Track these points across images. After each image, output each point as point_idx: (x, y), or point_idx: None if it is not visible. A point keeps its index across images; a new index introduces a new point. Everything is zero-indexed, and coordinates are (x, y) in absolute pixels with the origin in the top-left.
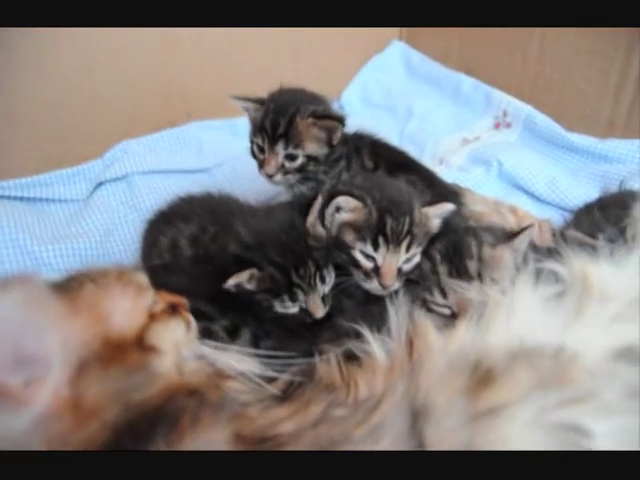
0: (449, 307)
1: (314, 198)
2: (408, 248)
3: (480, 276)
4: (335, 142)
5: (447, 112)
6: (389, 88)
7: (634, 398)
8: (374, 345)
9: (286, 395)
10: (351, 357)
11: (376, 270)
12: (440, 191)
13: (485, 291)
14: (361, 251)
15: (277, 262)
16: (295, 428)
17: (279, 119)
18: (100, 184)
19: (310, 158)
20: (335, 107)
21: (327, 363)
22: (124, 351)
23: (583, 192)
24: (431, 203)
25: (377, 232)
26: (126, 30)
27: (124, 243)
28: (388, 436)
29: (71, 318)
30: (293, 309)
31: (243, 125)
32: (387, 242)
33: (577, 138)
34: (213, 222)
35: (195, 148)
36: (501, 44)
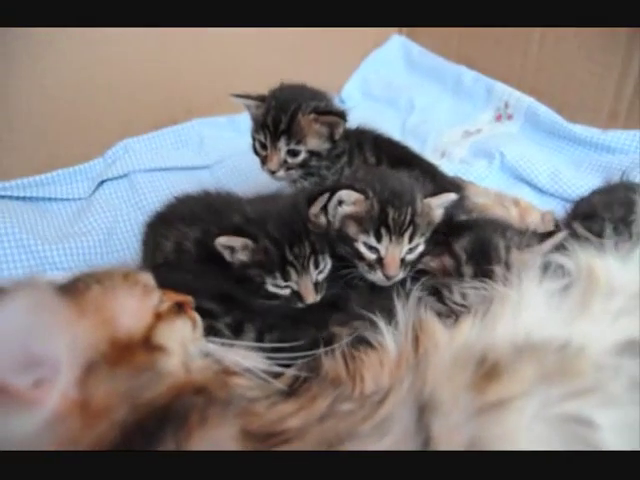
0: (467, 307)
1: (321, 192)
2: (411, 238)
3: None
4: (337, 137)
5: (448, 105)
6: (390, 82)
7: (638, 390)
8: (387, 337)
9: (292, 390)
10: (360, 342)
11: (379, 261)
12: (443, 185)
13: (493, 286)
14: (364, 243)
15: (273, 236)
16: (302, 423)
17: (281, 115)
18: (102, 182)
19: (312, 153)
20: (336, 101)
21: (332, 357)
22: (131, 351)
23: (585, 183)
24: (434, 194)
25: (379, 223)
26: (125, 29)
27: (127, 241)
28: (395, 430)
29: (78, 320)
30: (285, 290)
31: (244, 121)
32: (390, 233)
33: (579, 129)
34: (216, 223)
35: (196, 145)
36: (501, 37)
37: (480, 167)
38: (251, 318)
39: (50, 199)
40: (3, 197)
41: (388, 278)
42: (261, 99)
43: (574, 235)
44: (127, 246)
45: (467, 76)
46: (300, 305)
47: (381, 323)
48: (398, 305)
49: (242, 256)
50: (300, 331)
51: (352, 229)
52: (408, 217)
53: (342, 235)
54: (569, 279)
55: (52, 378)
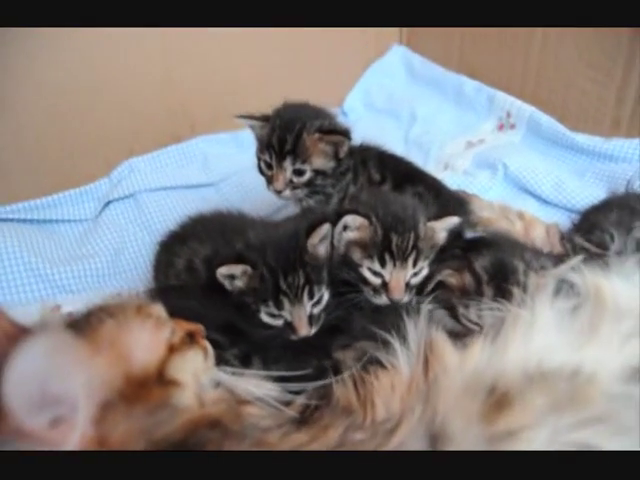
0: (480, 327)
1: (321, 221)
2: (415, 263)
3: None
4: (342, 155)
5: (450, 115)
6: (392, 93)
7: None
8: (400, 357)
9: (304, 418)
10: (370, 362)
11: (384, 286)
12: (447, 200)
13: (508, 307)
14: (369, 268)
15: (270, 264)
16: None
17: (286, 135)
18: (108, 203)
19: (318, 172)
20: (338, 113)
21: (343, 384)
22: (147, 388)
23: (590, 193)
24: (437, 217)
25: (383, 249)
26: (127, 48)
27: (135, 261)
28: None
29: (93, 358)
30: (278, 320)
31: (248, 138)
32: (393, 258)
33: (582, 138)
34: (225, 245)
35: (201, 163)
36: (502, 47)
37: (483, 178)
38: (256, 350)
39: (57, 221)
40: (11, 220)
41: (393, 302)
42: (265, 119)
43: (577, 250)
44: (135, 266)
45: (468, 86)
46: (293, 337)
47: (395, 343)
48: (410, 324)
49: (240, 282)
50: (303, 361)
51: (357, 254)
52: (411, 242)
53: (347, 260)
54: (579, 299)
55: (69, 417)
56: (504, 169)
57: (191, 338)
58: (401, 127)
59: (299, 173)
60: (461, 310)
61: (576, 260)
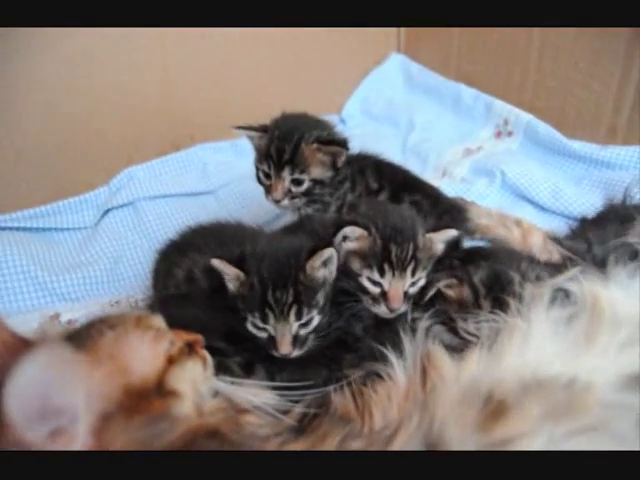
0: (478, 338)
1: (326, 246)
2: (413, 273)
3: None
4: (339, 165)
5: (448, 123)
6: (390, 100)
7: None
8: (397, 369)
9: (302, 427)
10: (368, 374)
11: (383, 295)
12: (445, 208)
13: (504, 318)
14: (368, 278)
15: (262, 274)
16: None
17: (284, 146)
18: (107, 211)
19: (316, 182)
20: (337, 121)
21: (341, 393)
22: (146, 399)
23: (587, 200)
24: (435, 229)
25: (382, 259)
26: (127, 57)
27: (133, 269)
28: None
29: (93, 371)
30: (262, 333)
31: (247, 146)
32: (392, 268)
33: (578, 145)
34: (226, 253)
35: (200, 171)
36: (499, 55)
37: (481, 186)
38: (260, 358)
39: (56, 229)
40: (10, 228)
41: (392, 311)
42: (263, 130)
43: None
44: (134, 274)
45: (466, 94)
46: (275, 354)
47: (391, 356)
48: (405, 338)
49: (231, 285)
50: (311, 372)
51: (356, 264)
52: (410, 253)
53: (346, 270)
54: (575, 308)
55: (69, 429)
56: (502, 176)
57: (190, 348)
58: (399, 135)
59: (297, 183)
60: (460, 324)
61: (574, 270)
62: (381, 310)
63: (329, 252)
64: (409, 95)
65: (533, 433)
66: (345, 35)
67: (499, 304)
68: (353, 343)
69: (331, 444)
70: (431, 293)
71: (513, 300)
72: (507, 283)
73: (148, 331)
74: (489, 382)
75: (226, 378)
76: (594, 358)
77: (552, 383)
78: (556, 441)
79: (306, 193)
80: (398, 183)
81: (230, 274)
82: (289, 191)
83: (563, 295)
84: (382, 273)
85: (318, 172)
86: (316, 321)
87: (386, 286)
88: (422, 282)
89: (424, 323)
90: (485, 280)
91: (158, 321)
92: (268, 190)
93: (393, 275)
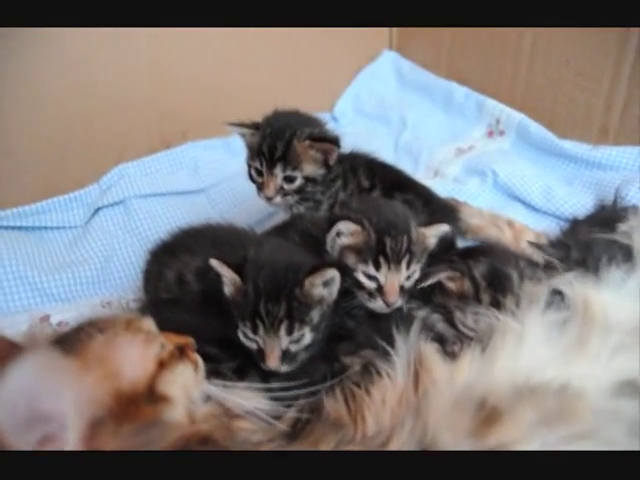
0: (476, 332)
1: (330, 266)
2: (408, 265)
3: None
4: (331, 163)
5: (440, 121)
6: (382, 98)
7: (636, 434)
8: (399, 368)
9: (295, 432)
10: (363, 374)
11: (379, 289)
12: (437, 208)
13: (498, 316)
14: (363, 272)
15: (257, 283)
16: None
17: (276, 143)
18: (98, 209)
19: (308, 179)
20: (328, 119)
21: (333, 397)
22: (137, 404)
23: (578, 200)
24: (427, 224)
25: (377, 253)
26: (117, 54)
27: (124, 268)
28: None
29: (82, 375)
30: (251, 343)
31: (238, 143)
32: (388, 261)
33: (570, 145)
34: (218, 256)
35: (191, 168)
36: (491, 54)
37: (473, 186)
38: (254, 363)
39: (46, 227)
40: None
41: (388, 305)
42: (255, 127)
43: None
44: (125, 274)
45: (458, 92)
46: (262, 366)
47: (394, 355)
48: (399, 337)
49: (227, 289)
50: (311, 366)
51: (351, 259)
52: (405, 245)
53: (342, 266)
54: (568, 312)
55: (58, 435)
56: (493, 176)
57: (181, 352)
58: (391, 133)
59: (290, 180)
60: (458, 315)
61: (569, 273)
62: (378, 305)
63: (331, 273)
64: (401, 93)
65: (526, 439)
66: (337, 33)
67: (497, 301)
68: (347, 334)
69: (324, 450)
70: (429, 282)
71: (510, 298)
72: (505, 279)
73: (138, 334)
74: (482, 387)
75: (218, 382)
76: (586, 364)
77: (544, 389)
78: (549, 447)
79: (298, 191)
80: (390, 182)
81: (227, 277)
82: (281, 188)
83: (559, 298)
84: (377, 267)
85: (310, 169)
86: (308, 339)
87: (382, 280)
88: (416, 275)
89: (421, 313)
90: (485, 274)
91: (148, 324)
92: (260, 187)
93: (389, 268)
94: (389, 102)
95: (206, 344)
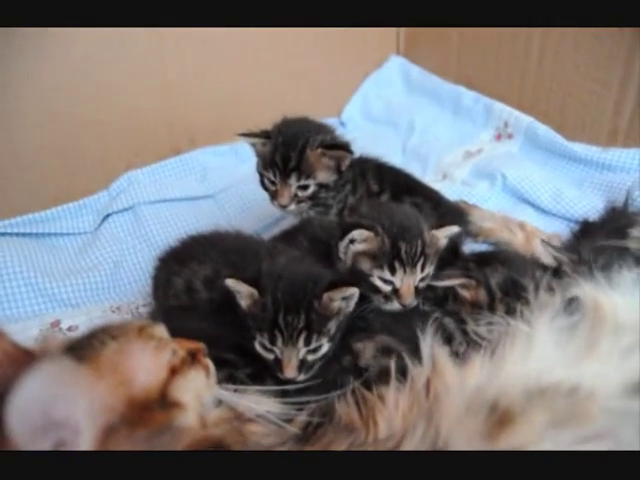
0: (489, 342)
1: (351, 284)
2: (422, 268)
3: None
4: (343, 168)
5: (448, 125)
6: (389, 103)
7: None
8: (422, 372)
9: (306, 435)
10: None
11: (395, 292)
12: (446, 211)
13: (509, 321)
14: (379, 277)
15: (275, 295)
16: None
17: (289, 153)
18: (107, 216)
19: (321, 186)
20: (336, 124)
21: (345, 402)
22: (149, 411)
23: (588, 202)
24: (437, 226)
25: (392, 258)
26: (126, 61)
27: (134, 274)
28: None
29: (95, 383)
30: (269, 354)
31: (246, 149)
32: (403, 265)
33: (579, 147)
34: (226, 265)
35: (200, 175)
36: (499, 57)
37: (482, 189)
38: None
39: (56, 234)
40: (10, 234)
41: (404, 307)
42: (266, 136)
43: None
44: (134, 279)
45: (466, 96)
46: (280, 376)
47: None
48: (424, 342)
49: (244, 302)
50: (325, 367)
51: (366, 265)
52: (419, 249)
53: (356, 271)
54: (579, 315)
55: (72, 442)
56: (502, 179)
57: (192, 357)
58: (399, 137)
59: (303, 188)
60: (471, 325)
61: (579, 278)
62: (394, 307)
63: (352, 291)
64: (409, 97)
65: (539, 442)
66: (344, 38)
67: (511, 311)
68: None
69: None
70: (442, 284)
71: (524, 307)
72: (521, 290)
73: (150, 341)
74: (493, 390)
75: (229, 386)
76: (597, 365)
77: (555, 391)
78: (562, 449)
79: (311, 197)
80: (399, 185)
81: (244, 292)
82: (295, 196)
83: (575, 305)
84: (393, 271)
85: (323, 176)
86: (325, 348)
87: (398, 283)
88: (430, 276)
89: (434, 316)
90: (502, 284)
91: (160, 330)
92: (274, 196)
93: (404, 272)
94: (397, 106)
95: (223, 350)
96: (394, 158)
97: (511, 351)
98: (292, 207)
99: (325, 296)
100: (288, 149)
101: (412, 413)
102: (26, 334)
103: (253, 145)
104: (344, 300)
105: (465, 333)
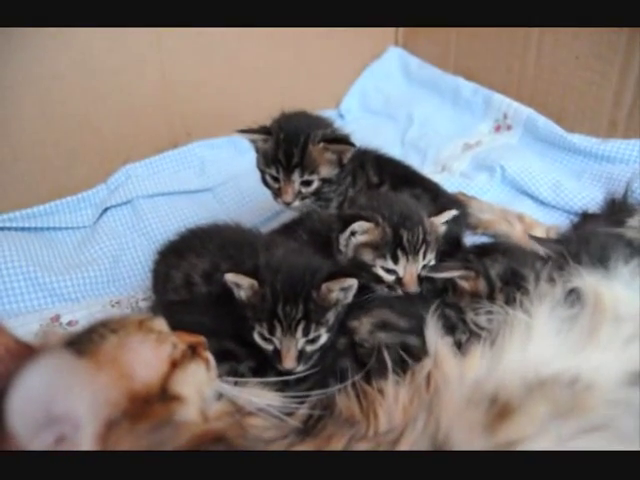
0: (489, 332)
1: (349, 275)
2: (424, 255)
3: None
4: (345, 162)
5: (447, 117)
6: (388, 94)
7: None
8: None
9: (307, 429)
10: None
11: (399, 281)
12: (445, 203)
13: (509, 311)
14: (382, 267)
15: (274, 286)
16: None
17: (292, 149)
18: (106, 210)
19: (324, 181)
20: (335, 116)
21: (346, 395)
22: (150, 405)
23: (587, 194)
24: (436, 213)
25: (395, 246)
26: (123, 54)
27: (133, 268)
28: None
29: (96, 377)
30: (268, 345)
31: (244, 142)
32: (406, 254)
33: (578, 139)
34: (225, 258)
35: (198, 168)
36: (498, 48)
37: (481, 181)
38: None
39: (55, 228)
40: (8, 228)
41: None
42: (266, 131)
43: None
44: (133, 273)
45: (465, 88)
46: (279, 367)
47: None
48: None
49: (244, 294)
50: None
51: (368, 256)
52: (421, 236)
53: (358, 263)
54: (579, 305)
55: (73, 436)
56: (502, 171)
57: (193, 351)
58: (398, 129)
59: (307, 184)
60: (470, 315)
61: (579, 269)
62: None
63: (351, 282)
64: (407, 89)
65: (540, 434)
66: (342, 30)
67: (511, 300)
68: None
69: (337, 446)
70: (441, 275)
71: (524, 297)
72: (521, 279)
73: (150, 334)
74: (493, 382)
75: (229, 379)
76: (597, 355)
77: (555, 382)
78: (563, 441)
79: (315, 192)
80: (398, 177)
81: (244, 285)
82: (299, 192)
83: (575, 296)
84: (396, 260)
85: (326, 171)
86: (324, 339)
87: (401, 272)
88: (432, 264)
89: (436, 302)
90: (502, 274)
91: (160, 324)
92: (277, 194)
93: (407, 260)
94: (395, 98)
95: (225, 342)
96: (393, 150)
97: (511, 342)
98: (296, 204)
99: (324, 286)
100: (290, 145)
101: (412, 406)
102: (26, 329)
103: (253, 142)
104: (342, 291)
105: (465, 323)
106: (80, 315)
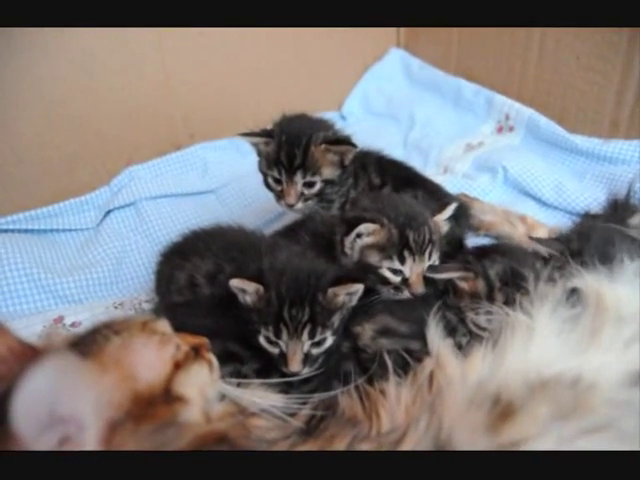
0: (490, 333)
1: (356, 280)
2: (430, 255)
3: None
4: (347, 163)
5: (449, 118)
6: (390, 96)
7: None
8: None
9: (310, 429)
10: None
11: (405, 282)
12: (447, 204)
13: (509, 313)
14: (389, 268)
15: (280, 289)
16: None
17: (294, 151)
18: (109, 212)
19: (327, 182)
20: (337, 117)
21: (348, 395)
22: (153, 405)
23: (589, 195)
24: (437, 212)
25: (401, 247)
26: (126, 56)
27: (136, 270)
28: None
29: (100, 378)
30: (274, 348)
31: (246, 144)
32: (412, 254)
33: (580, 140)
34: (228, 260)
35: (201, 169)
36: (500, 50)
37: (483, 182)
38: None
39: (58, 230)
40: (12, 230)
41: (415, 296)
42: (267, 134)
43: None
44: (136, 275)
45: (467, 89)
46: (284, 370)
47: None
48: (433, 332)
49: (249, 298)
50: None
51: (374, 258)
52: (427, 235)
53: (364, 265)
54: (581, 306)
55: (77, 437)
56: (504, 172)
57: (196, 352)
58: (400, 130)
59: (309, 185)
60: (470, 316)
61: (581, 269)
62: (404, 296)
63: (357, 287)
64: (409, 90)
65: (542, 434)
66: (344, 32)
67: (510, 300)
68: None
69: (339, 446)
70: (440, 276)
71: (525, 297)
72: (521, 280)
73: (154, 336)
74: (496, 383)
75: (232, 380)
76: (598, 356)
77: (557, 383)
78: (565, 441)
79: (318, 194)
80: (400, 178)
81: (249, 290)
82: (302, 194)
83: (576, 296)
84: (402, 260)
85: (329, 172)
86: (329, 342)
87: (407, 272)
88: (437, 263)
89: (437, 304)
90: (501, 275)
91: (163, 325)
92: (280, 196)
93: (413, 260)
94: (397, 100)
95: (229, 344)
96: (395, 152)
97: (513, 343)
98: (299, 206)
99: (330, 291)
100: (292, 147)
101: (415, 406)
102: (30, 330)
103: (255, 145)
104: (348, 295)
105: (464, 323)
106: (83, 317)
